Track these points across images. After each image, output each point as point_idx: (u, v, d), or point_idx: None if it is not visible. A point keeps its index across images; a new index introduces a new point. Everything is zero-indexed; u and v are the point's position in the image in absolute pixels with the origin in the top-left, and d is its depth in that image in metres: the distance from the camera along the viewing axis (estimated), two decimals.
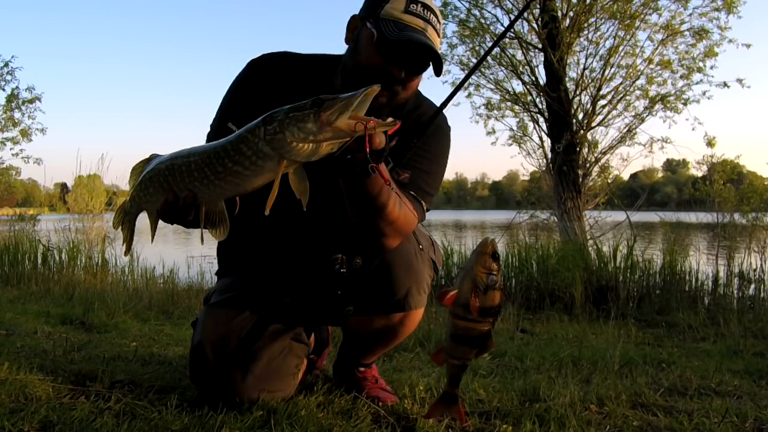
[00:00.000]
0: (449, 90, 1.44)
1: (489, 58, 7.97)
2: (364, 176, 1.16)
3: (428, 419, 1.10)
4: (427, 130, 1.43)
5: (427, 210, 1.52)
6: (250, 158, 0.98)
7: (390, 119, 1.02)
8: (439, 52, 1.38)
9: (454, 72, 8.42)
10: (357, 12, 1.45)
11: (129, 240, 1.30)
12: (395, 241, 1.42)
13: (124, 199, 1.27)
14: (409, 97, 1.46)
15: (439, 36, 1.41)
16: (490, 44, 7.92)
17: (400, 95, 1.39)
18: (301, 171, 1.01)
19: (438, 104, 1.56)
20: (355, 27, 1.42)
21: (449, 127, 1.63)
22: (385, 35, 1.31)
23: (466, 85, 8.26)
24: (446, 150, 1.59)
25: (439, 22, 1.43)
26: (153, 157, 1.20)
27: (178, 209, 1.12)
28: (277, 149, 0.96)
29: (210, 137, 1.52)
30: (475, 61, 8.08)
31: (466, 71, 8.20)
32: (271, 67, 1.50)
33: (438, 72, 1.37)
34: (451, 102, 1.47)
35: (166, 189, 1.10)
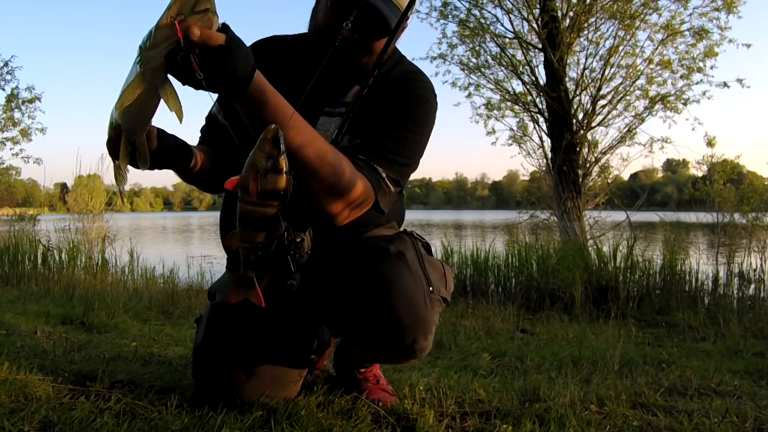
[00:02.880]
0: (448, 90, 1.41)
1: (489, 57, 7.99)
2: (188, 69, 0.98)
3: (231, 303, 1.11)
4: (367, 86, 1.29)
5: (397, 182, 1.30)
6: (135, 80, 1.03)
7: (204, 8, 0.95)
8: (393, 7, 1.28)
9: (454, 72, 8.45)
10: None
11: (119, 184, 1.33)
12: (336, 206, 1.20)
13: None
14: (369, 63, 1.34)
15: None
16: (490, 44, 7.94)
17: (360, 60, 1.33)
18: (169, 88, 1.03)
19: (428, 84, 1.43)
20: None
21: (429, 91, 1.41)
22: None
23: (466, 84, 8.28)
24: (417, 113, 1.36)
25: None
26: None
27: (113, 143, 1.15)
28: (141, 65, 1.00)
29: (204, 127, 1.55)
30: (475, 61, 8.10)
31: (467, 71, 8.20)
32: (261, 52, 1.45)
33: (384, 32, 1.28)
34: (394, 42, 1.33)
35: (110, 128, 1.16)
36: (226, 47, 0.97)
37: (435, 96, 1.43)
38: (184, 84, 1.03)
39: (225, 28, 0.99)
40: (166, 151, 1.27)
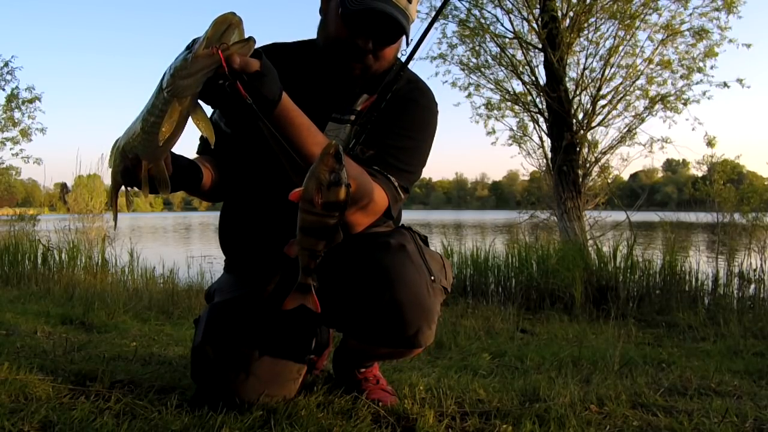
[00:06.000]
0: (448, 90, 1.45)
1: (489, 57, 7.99)
2: (234, 96, 1.04)
3: (287, 309, 1.13)
4: (384, 100, 1.38)
5: (406, 189, 1.40)
6: (159, 107, 1.06)
7: (247, 38, 1.01)
8: (407, 16, 1.32)
9: (454, 72, 8.44)
10: None
11: (115, 215, 1.39)
12: (356, 216, 1.25)
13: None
14: (386, 67, 1.41)
15: (411, 2, 1.35)
16: (490, 44, 7.94)
17: (373, 66, 1.37)
18: (200, 112, 1.08)
19: (432, 92, 1.51)
20: None
21: (431, 100, 1.49)
22: (346, 5, 1.29)
23: (465, 84, 8.28)
24: (422, 124, 1.45)
25: None
26: None
27: (129, 171, 1.17)
28: (170, 93, 1.04)
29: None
30: (475, 61, 8.09)
31: (467, 71, 8.20)
32: (268, 58, 1.49)
33: (399, 36, 1.32)
34: (413, 59, 1.42)
35: (124, 156, 1.19)
36: (261, 73, 1.04)
37: (436, 104, 1.51)
38: (214, 108, 1.07)
39: (258, 54, 1.04)
40: (181, 174, 1.30)
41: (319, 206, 1.02)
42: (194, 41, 1.02)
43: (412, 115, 1.43)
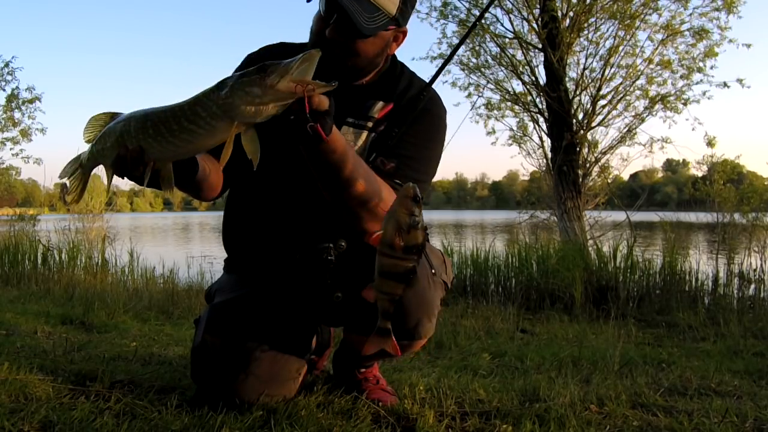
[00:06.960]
0: (448, 90, 1.45)
1: (489, 57, 7.99)
2: (309, 136, 1.10)
3: (367, 354, 1.16)
4: (409, 117, 1.41)
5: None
6: (204, 119, 1.04)
7: (332, 83, 1.04)
8: (373, 7, 1.29)
9: (454, 72, 8.44)
10: None
11: (80, 192, 1.29)
12: (371, 224, 1.30)
13: (83, 152, 1.26)
14: (364, 65, 1.41)
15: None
16: (490, 44, 7.93)
17: (348, 62, 1.37)
18: (252, 133, 1.07)
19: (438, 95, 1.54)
20: None
21: (442, 108, 1.54)
22: None
23: (466, 84, 8.29)
24: (436, 133, 1.51)
25: None
26: (116, 115, 1.21)
27: (126, 163, 1.15)
28: (227, 112, 1.02)
29: None
30: (475, 61, 8.10)
31: (467, 71, 8.20)
32: (272, 58, 1.49)
33: (351, 25, 1.28)
34: (438, 78, 1.47)
35: (120, 143, 1.14)
36: (329, 111, 1.09)
37: (446, 111, 1.55)
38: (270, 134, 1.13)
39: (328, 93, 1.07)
40: (176, 170, 1.28)
41: (400, 250, 1.03)
42: (266, 66, 1.02)
43: (426, 125, 1.47)
